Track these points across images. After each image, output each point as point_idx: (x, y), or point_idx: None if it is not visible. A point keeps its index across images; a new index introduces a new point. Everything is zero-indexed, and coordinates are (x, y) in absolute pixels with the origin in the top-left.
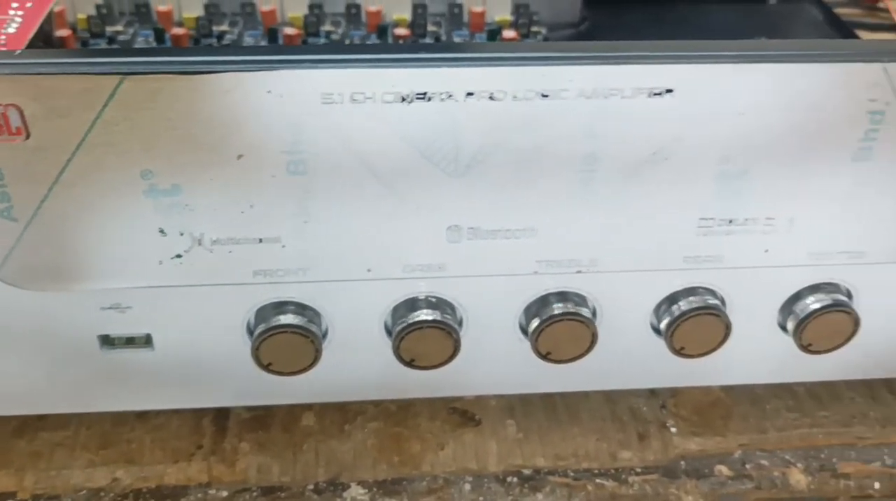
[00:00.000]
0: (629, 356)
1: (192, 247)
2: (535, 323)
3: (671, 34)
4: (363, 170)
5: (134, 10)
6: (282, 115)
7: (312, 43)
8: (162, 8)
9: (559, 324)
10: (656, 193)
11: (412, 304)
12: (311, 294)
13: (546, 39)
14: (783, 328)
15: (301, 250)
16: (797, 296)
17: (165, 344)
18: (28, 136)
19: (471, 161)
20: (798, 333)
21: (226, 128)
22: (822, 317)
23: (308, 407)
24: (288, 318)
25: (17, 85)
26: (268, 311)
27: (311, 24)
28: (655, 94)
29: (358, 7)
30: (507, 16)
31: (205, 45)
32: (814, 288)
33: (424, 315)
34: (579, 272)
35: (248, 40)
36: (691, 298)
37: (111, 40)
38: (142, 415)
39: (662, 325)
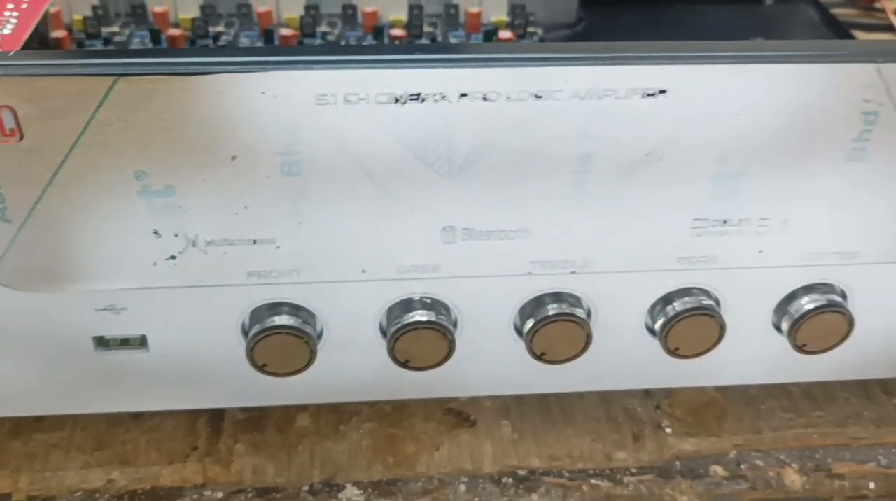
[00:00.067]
0: (624, 356)
1: (186, 248)
2: (529, 323)
3: (667, 35)
4: (357, 171)
5: (130, 11)
6: (276, 116)
7: (308, 44)
8: (158, 9)
9: (554, 325)
10: (650, 194)
11: (407, 305)
12: (306, 295)
13: (542, 40)
14: (778, 328)
15: (295, 251)
16: (792, 297)
17: (160, 345)
18: (22, 138)
19: (464, 162)
20: (792, 333)
21: (220, 130)
22: (817, 318)
23: (303, 408)
24: (282, 319)
25: (11, 86)
26: (262, 312)
27: (307, 24)
28: (649, 95)
29: (354, 8)
30: (503, 16)
31: (199, 47)
32: (808, 289)
33: (419, 316)
34: (573, 273)
35: (244, 41)
36: (686, 299)
37: (107, 41)
38: (137, 416)
39: (657, 326)
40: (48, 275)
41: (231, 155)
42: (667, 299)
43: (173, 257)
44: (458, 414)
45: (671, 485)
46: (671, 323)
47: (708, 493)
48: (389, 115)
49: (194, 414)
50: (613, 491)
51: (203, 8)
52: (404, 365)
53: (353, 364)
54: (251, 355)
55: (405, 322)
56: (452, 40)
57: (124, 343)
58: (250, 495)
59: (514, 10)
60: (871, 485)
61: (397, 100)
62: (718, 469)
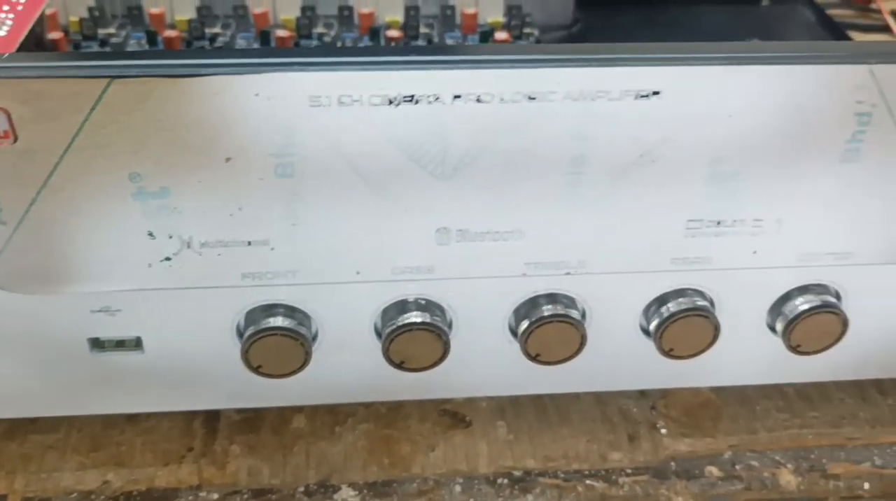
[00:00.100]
0: (619, 357)
1: (180, 250)
2: (524, 324)
3: (664, 36)
4: (351, 173)
5: (126, 13)
6: (270, 118)
7: (305, 45)
8: (154, 10)
9: (548, 326)
10: (644, 195)
11: (402, 306)
12: (301, 296)
13: (538, 41)
14: (772, 329)
15: (290, 253)
16: (786, 297)
17: (155, 346)
18: (16, 140)
19: (458, 163)
20: (787, 334)
21: (214, 131)
22: (811, 318)
23: (299, 410)
24: (277, 321)
25: (5, 88)
26: (257, 314)
27: (304, 26)
28: (642, 97)
29: (350, 9)
30: (499, 17)
31: (193, 49)
32: (803, 290)
33: (414, 317)
34: (568, 274)
35: (240, 42)
36: (680, 299)
37: (103, 43)
38: (132, 418)
39: (651, 327)
40: (43, 277)
41: (225, 156)
42: (661, 300)
43: (168, 259)
44: (453, 415)
45: (666, 486)
46: (666, 323)
47: (703, 494)
48: (383, 117)
49: (190, 416)
50: (608, 492)
51: (199, 9)
52: (399, 366)
53: (348, 365)
54: (246, 357)
55: (400, 323)
56: (449, 41)
57: (119, 344)
58: (246, 496)
59: (511, 11)
60: (866, 486)
61: (391, 102)
62: (713, 470)
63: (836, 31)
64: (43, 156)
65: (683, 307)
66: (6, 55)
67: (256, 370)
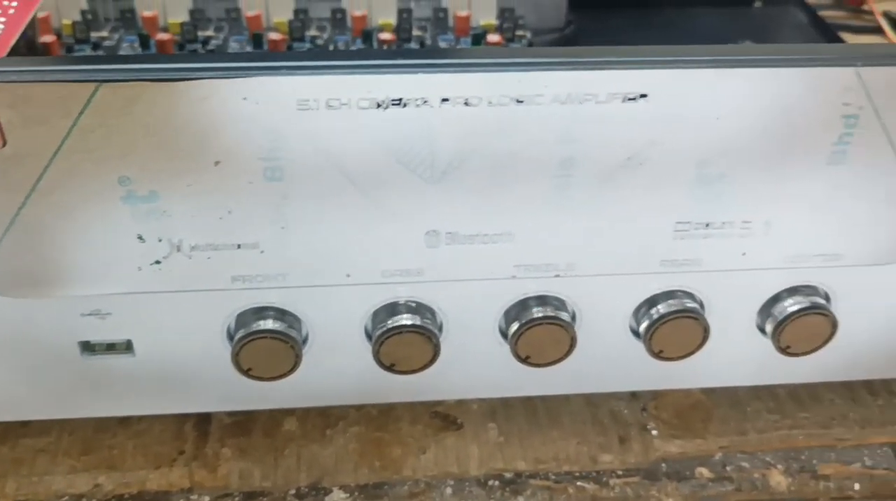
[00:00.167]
0: (609, 359)
1: (170, 253)
2: (514, 326)
3: (657, 38)
4: (340, 176)
5: (119, 16)
6: (258, 122)
7: (297, 48)
8: (147, 13)
9: (538, 328)
10: (633, 198)
11: (392, 309)
12: (291, 299)
13: (531, 44)
14: (762, 330)
15: (279, 256)
16: (775, 299)
17: (146, 350)
18: (4, 144)
19: (447, 167)
20: (776, 335)
21: (202, 135)
22: (800, 320)
23: (290, 412)
24: (267, 324)
25: None
26: (248, 317)
27: (296, 29)
28: (630, 99)
29: (343, 12)
30: (492, 20)
31: (180, 53)
32: (792, 291)
33: (404, 319)
34: (557, 276)
35: (233, 45)
36: (670, 301)
37: (96, 46)
38: (124, 421)
39: (641, 329)
40: (33, 281)
41: (214, 160)
42: (651, 302)
43: (158, 262)
44: (444, 417)
45: (657, 487)
46: (655, 325)
47: (693, 495)
48: (371, 120)
49: (181, 419)
50: (599, 494)
51: (192, 12)
52: (390, 368)
53: (339, 368)
54: (236, 359)
55: (390, 325)
56: (441, 44)
57: (110, 348)
58: (237, 499)
59: (503, 13)
60: (856, 486)
61: (379, 106)
62: (704, 471)
63: (828, 33)
64: (32, 161)
65: (673, 309)
66: None
67: (247, 373)
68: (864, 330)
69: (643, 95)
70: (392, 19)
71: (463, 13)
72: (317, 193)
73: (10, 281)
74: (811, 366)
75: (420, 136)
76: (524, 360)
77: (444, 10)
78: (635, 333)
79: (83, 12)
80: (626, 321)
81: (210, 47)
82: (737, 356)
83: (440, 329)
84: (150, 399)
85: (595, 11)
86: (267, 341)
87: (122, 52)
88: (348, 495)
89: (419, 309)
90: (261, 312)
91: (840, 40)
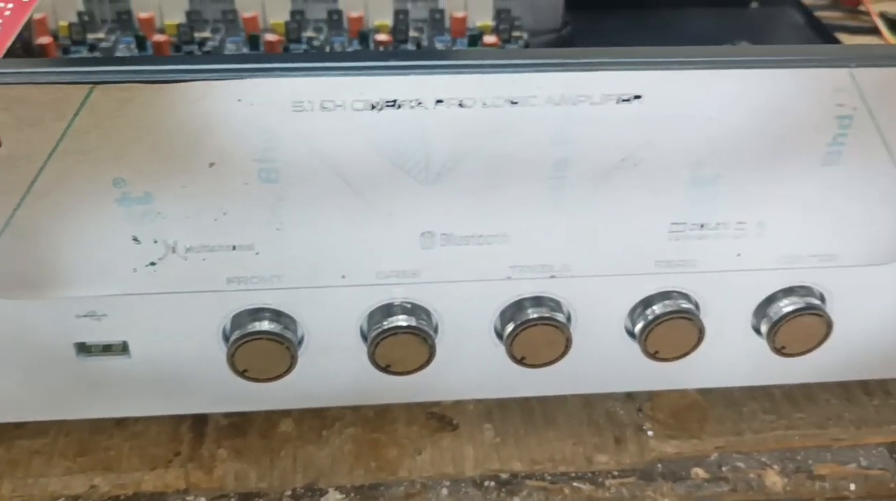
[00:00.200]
0: (605, 360)
1: (165, 255)
2: (509, 327)
3: (653, 39)
4: (335, 178)
5: (116, 18)
6: (253, 123)
7: (294, 49)
8: (143, 15)
9: (533, 329)
10: (627, 198)
11: (387, 310)
12: (286, 300)
13: (527, 45)
14: (757, 331)
15: (275, 257)
16: (770, 300)
17: (142, 351)
18: None
19: (441, 168)
20: (771, 336)
21: (197, 137)
22: (795, 320)
23: (286, 414)
24: (263, 325)
25: None
26: (243, 318)
27: (293, 30)
28: (624, 101)
29: (340, 13)
30: (488, 21)
31: (175, 55)
32: (787, 292)
33: (399, 321)
34: (553, 277)
35: (229, 47)
36: (665, 302)
37: (92, 47)
38: (120, 422)
39: (636, 329)
40: (28, 283)
41: (209, 162)
42: (646, 303)
43: (153, 264)
44: (440, 418)
45: (652, 488)
46: (650, 326)
47: (689, 495)
48: (366, 122)
49: (177, 420)
50: (595, 494)
51: (189, 14)
52: (385, 369)
53: (334, 369)
54: (232, 361)
55: (385, 327)
56: (438, 45)
57: (106, 349)
58: (233, 500)
59: (500, 14)
60: (852, 486)
61: (373, 107)
62: (700, 472)
63: (825, 34)
64: (26, 163)
65: (668, 309)
66: None
67: (242, 374)
68: (860, 331)
69: (637, 96)
70: (388, 20)
71: (459, 14)
72: (312, 195)
73: (5, 283)
74: (806, 367)
75: (414, 138)
76: (519, 361)
77: (441, 12)
78: (631, 334)
79: (80, 14)
80: (622, 322)
81: (206, 49)
82: (732, 356)
83: (435, 330)
84: (146, 400)
85: (591, 13)
86: (262, 342)
87: (118, 54)
88: (344, 496)
89: (414, 310)
90: (256, 313)
91: (836, 41)
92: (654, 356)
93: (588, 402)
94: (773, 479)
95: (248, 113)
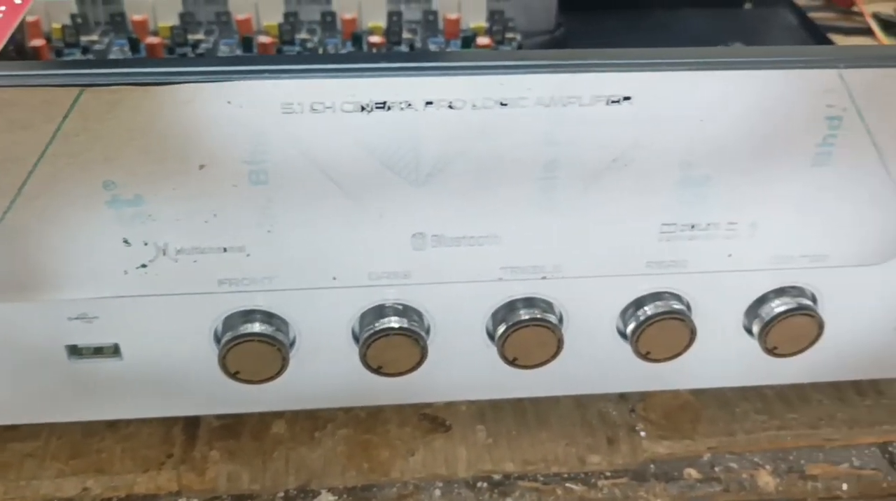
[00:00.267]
0: (596, 361)
1: (156, 257)
2: (501, 328)
3: (647, 40)
4: (325, 179)
5: (109, 20)
6: (242, 126)
7: (287, 51)
8: (137, 17)
9: (525, 330)
10: (618, 199)
11: (379, 311)
12: (277, 302)
13: (520, 46)
14: (749, 331)
15: (265, 259)
16: (762, 300)
17: (133, 353)
18: None
19: (431, 169)
20: (763, 336)
21: (187, 139)
22: (787, 321)
23: (279, 415)
24: (255, 327)
25: None
26: (235, 320)
27: (286, 32)
28: (613, 102)
29: (333, 15)
30: (482, 23)
31: (165, 57)
32: (779, 292)
33: (391, 322)
34: (544, 278)
35: (223, 49)
36: (656, 303)
37: (86, 50)
38: (112, 425)
39: (628, 330)
40: (19, 285)
41: (199, 164)
42: (638, 303)
43: (144, 266)
44: (432, 419)
45: (645, 488)
46: (642, 327)
47: (682, 496)
48: (356, 124)
49: (170, 422)
50: (587, 495)
51: (182, 16)
52: (377, 371)
53: (326, 370)
54: (223, 362)
55: (377, 328)
56: (431, 47)
57: (97, 351)
58: None
59: (493, 16)
60: (844, 486)
61: (363, 109)
62: (692, 472)
63: (818, 35)
64: (16, 165)
65: (659, 310)
66: None
67: (234, 376)
68: (851, 331)
69: (627, 98)
70: (382, 22)
71: (453, 16)
72: (302, 196)
73: None
74: (798, 367)
75: (404, 139)
76: (511, 362)
77: (434, 13)
78: (622, 335)
79: (73, 16)
80: (614, 322)
81: (200, 51)
82: (724, 357)
83: (427, 331)
84: (138, 402)
85: (585, 14)
86: (254, 344)
87: (111, 56)
88: (337, 497)
89: (406, 311)
90: (248, 315)
91: (829, 42)
92: (645, 356)
93: (581, 403)
94: (766, 479)
95: (237, 115)
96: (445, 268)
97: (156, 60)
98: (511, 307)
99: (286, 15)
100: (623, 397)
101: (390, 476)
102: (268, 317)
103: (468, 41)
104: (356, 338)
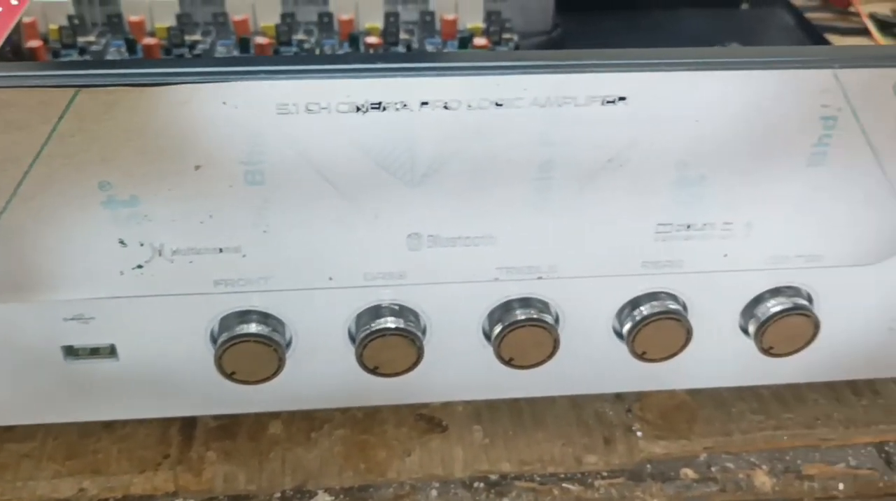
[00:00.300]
0: (593, 361)
1: (152, 258)
2: (497, 328)
3: (644, 40)
4: (320, 180)
5: (106, 21)
6: (238, 126)
7: (284, 52)
8: (134, 18)
9: (521, 330)
10: (613, 200)
11: (375, 312)
12: (273, 302)
13: (518, 47)
14: (745, 331)
15: (261, 259)
16: (758, 300)
17: (130, 354)
18: None
19: (427, 170)
20: (759, 336)
21: (182, 140)
22: (782, 321)
23: (275, 416)
24: (251, 327)
25: None
26: (231, 320)
27: (284, 33)
28: (609, 102)
29: (330, 16)
30: (479, 23)
31: (161, 58)
32: (775, 292)
33: (387, 322)
34: (540, 278)
35: (220, 50)
36: (652, 303)
37: (83, 51)
38: (108, 425)
39: (624, 330)
40: (15, 286)
41: (194, 164)
42: (634, 303)
43: (140, 266)
44: (429, 419)
45: (641, 488)
46: (638, 327)
47: (678, 496)
48: (351, 124)
49: (166, 423)
50: (584, 495)
51: (179, 17)
52: (373, 371)
53: (323, 371)
54: (219, 363)
55: (373, 328)
56: (428, 47)
57: (94, 352)
58: None
59: (490, 17)
60: (841, 486)
61: (358, 109)
62: (689, 472)
63: (814, 35)
64: (12, 166)
65: (655, 310)
66: None
67: (230, 376)
68: (847, 331)
69: (622, 98)
70: (379, 23)
71: (450, 17)
72: (298, 197)
73: None
74: (794, 367)
75: (400, 140)
76: (508, 362)
77: (432, 14)
78: (619, 335)
79: (70, 17)
80: (610, 322)
81: (197, 52)
82: (720, 357)
83: (423, 331)
84: (134, 403)
85: (582, 14)
86: (250, 345)
87: (108, 57)
88: (333, 498)
89: (402, 311)
90: (244, 316)
91: (826, 42)
92: (641, 356)
93: (577, 403)
94: (762, 479)
95: (233, 115)
96: (441, 269)
97: (151, 61)
98: (507, 307)
99: (283, 16)
100: (619, 397)
101: (387, 477)
102: (264, 318)
103: (465, 42)
104: (352, 339)
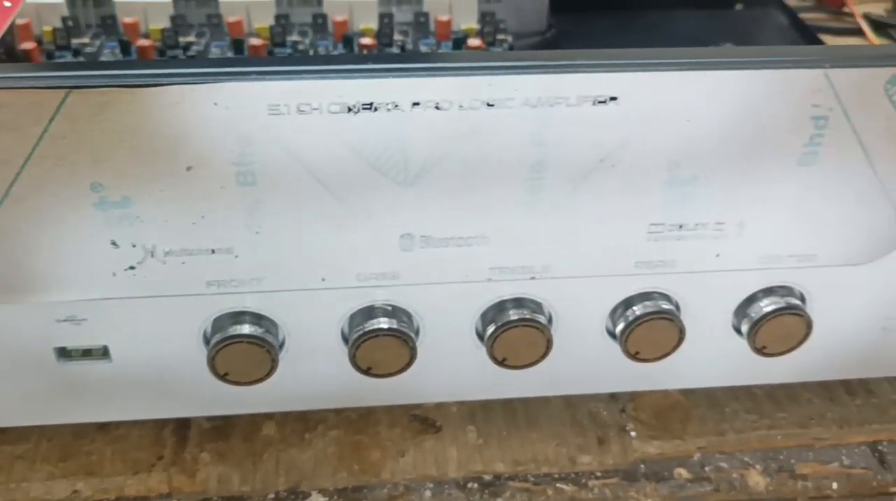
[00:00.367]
0: (586, 361)
1: (144, 259)
2: (490, 329)
3: (638, 41)
4: (312, 181)
5: (100, 22)
6: (229, 127)
7: (278, 53)
8: (128, 20)
9: (514, 330)
10: (606, 200)
11: (368, 313)
12: (267, 303)
13: (511, 48)
14: (738, 331)
15: (254, 260)
16: (751, 300)
17: (123, 355)
18: None
19: (419, 170)
20: (752, 336)
21: (174, 141)
22: (775, 320)
23: (269, 417)
24: (244, 328)
25: None
26: (224, 321)
27: (278, 34)
28: (600, 102)
29: (324, 17)
30: (473, 24)
31: (153, 59)
32: (768, 292)
33: (380, 323)
34: (533, 278)
35: (214, 51)
36: (645, 303)
37: (77, 52)
38: (102, 427)
39: (617, 330)
40: (7, 288)
41: (186, 165)
42: (626, 303)
43: (132, 268)
44: (423, 420)
45: (635, 488)
46: (631, 327)
47: (672, 496)
48: (343, 125)
49: (160, 424)
50: (578, 495)
51: (173, 18)
52: (366, 372)
53: (316, 372)
54: (212, 364)
55: (366, 329)
56: (422, 48)
57: (86, 353)
58: None
59: (484, 17)
60: (834, 485)
61: (350, 110)
62: (682, 472)
63: (808, 35)
64: (3, 168)
65: (648, 310)
66: None
67: (223, 377)
68: (840, 330)
69: (613, 98)
70: (373, 24)
71: (444, 18)
72: (290, 198)
73: None
74: (787, 367)
75: (391, 140)
76: (501, 363)
77: (426, 15)
78: (612, 335)
79: (64, 19)
80: (603, 322)
81: (191, 53)
82: (713, 357)
83: (416, 332)
84: (127, 404)
85: (576, 15)
86: (243, 346)
87: (102, 59)
88: (327, 499)
89: (395, 312)
90: (236, 317)
91: (820, 42)
92: (634, 356)
93: (571, 403)
94: (756, 479)
95: (224, 116)
96: (434, 269)
97: (142, 62)
98: (500, 307)
99: (277, 17)
100: (613, 397)
101: (381, 478)
102: (257, 319)
103: (459, 43)
104: (345, 339)
